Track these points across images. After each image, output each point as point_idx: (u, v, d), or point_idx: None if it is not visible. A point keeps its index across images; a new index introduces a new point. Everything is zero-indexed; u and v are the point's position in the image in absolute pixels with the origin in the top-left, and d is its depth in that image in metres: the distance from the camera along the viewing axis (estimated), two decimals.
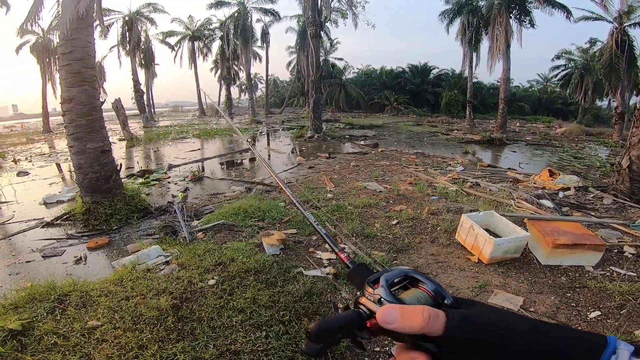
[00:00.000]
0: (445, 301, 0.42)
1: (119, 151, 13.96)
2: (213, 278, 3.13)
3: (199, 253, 3.62)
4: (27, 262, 4.19)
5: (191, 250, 3.69)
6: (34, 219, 5.76)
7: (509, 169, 9.54)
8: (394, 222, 4.83)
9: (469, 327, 0.36)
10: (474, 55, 22.30)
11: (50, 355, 2.25)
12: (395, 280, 0.44)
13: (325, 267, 3.55)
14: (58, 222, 5.48)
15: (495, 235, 4.17)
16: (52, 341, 2.37)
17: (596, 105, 33.95)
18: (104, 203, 5.28)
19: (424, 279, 0.43)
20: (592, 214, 5.89)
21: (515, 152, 14.00)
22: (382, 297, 0.41)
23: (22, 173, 9.89)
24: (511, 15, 17.96)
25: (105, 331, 2.44)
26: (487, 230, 4.06)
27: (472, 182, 7.27)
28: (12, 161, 11.98)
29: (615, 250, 4.17)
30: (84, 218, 5.28)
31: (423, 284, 0.43)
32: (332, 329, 0.41)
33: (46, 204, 6.64)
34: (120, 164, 6.20)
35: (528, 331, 0.37)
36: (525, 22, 18.35)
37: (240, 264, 3.34)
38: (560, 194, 6.75)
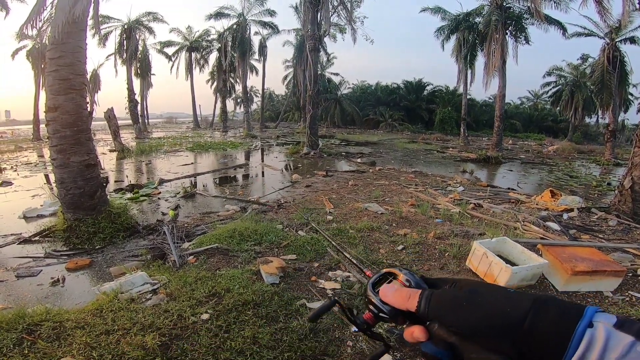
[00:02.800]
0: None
1: (108, 163, 13.59)
2: (207, 311, 2.79)
3: (190, 281, 3.27)
4: None
5: (181, 278, 3.33)
6: (11, 234, 5.34)
7: (509, 188, 9.39)
8: (400, 247, 4.55)
9: (434, 300, 0.44)
10: (469, 71, 22.47)
11: None
12: (378, 280, 0.54)
13: (329, 298, 3.24)
14: (37, 238, 5.08)
15: (509, 262, 3.95)
16: None
17: (585, 123, 34.50)
18: (87, 220, 4.89)
19: (400, 272, 0.53)
20: (600, 236, 5.72)
21: (512, 170, 13.94)
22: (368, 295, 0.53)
23: (5, 183, 9.40)
24: (507, 31, 18.18)
25: None
26: (500, 256, 3.84)
27: (474, 204, 7.06)
28: None
29: (630, 274, 4.08)
30: (65, 236, 4.89)
31: (399, 276, 0.52)
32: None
33: (26, 217, 6.21)
34: (107, 179, 5.84)
35: (495, 301, 0.41)
36: (520, 38, 18.60)
37: (237, 295, 3.00)
38: (565, 216, 6.59)
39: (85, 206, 4.97)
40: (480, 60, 21.37)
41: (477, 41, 20.77)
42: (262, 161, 15.26)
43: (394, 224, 5.64)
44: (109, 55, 28.65)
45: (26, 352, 2.31)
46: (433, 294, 0.45)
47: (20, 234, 5.32)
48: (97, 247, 4.70)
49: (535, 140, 30.38)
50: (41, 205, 6.70)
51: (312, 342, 2.44)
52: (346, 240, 4.76)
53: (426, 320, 0.46)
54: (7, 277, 3.94)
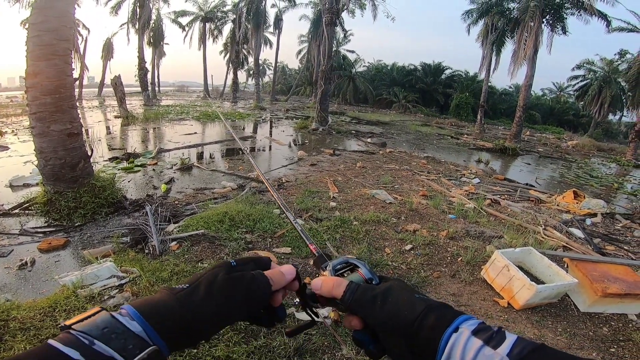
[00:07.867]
0: (373, 282, 0.52)
1: (112, 128, 13.37)
2: None
3: (164, 276, 2.85)
4: None
5: (155, 272, 2.91)
6: None
7: (527, 184, 8.77)
8: (408, 246, 4.08)
9: (356, 294, 0.47)
10: (495, 58, 21.28)
11: None
12: (339, 267, 0.54)
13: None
14: (16, 211, 4.72)
15: (531, 276, 3.48)
16: None
17: (607, 120, 33.26)
18: (68, 194, 4.48)
19: (361, 266, 0.54)
20: (626, 248, 5.20)
21: (529, 164, 13.19)
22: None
23: (1, 148, 9.07)
24: (544, 20, 16.82)
25: None
26: (521, 269, 3.37)
27: (491, 199, 6.51)
28: None
29: None
30: (45, 210, 4.51)
31: (360, 269, 0.53)
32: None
33: (12, 186, 5.86)
34: (92, 149, 5.41)
35: (398, 304, 0.44)
36: (557, 28, 17.16)
37: None
38: (588, 221, 6.04)
39: (66, 178, 4.56)
40: (508, 48, 20.08)
41: (507, 27, 19.36)
42: (270, 135, 14.74)
43: (402, 217, 5.16)
44: (122, 24, 28.18)
45: None
46: (359, 287, 0.48)
47: (2, 205, 4.96)
48: (76, 224, 4.32)
49: (554, 134, 29.16)
50: (30, 173, 6.34)
51: None
52: (349, 235, 4.30)
53: (347, 309, 0.49)
54: None
